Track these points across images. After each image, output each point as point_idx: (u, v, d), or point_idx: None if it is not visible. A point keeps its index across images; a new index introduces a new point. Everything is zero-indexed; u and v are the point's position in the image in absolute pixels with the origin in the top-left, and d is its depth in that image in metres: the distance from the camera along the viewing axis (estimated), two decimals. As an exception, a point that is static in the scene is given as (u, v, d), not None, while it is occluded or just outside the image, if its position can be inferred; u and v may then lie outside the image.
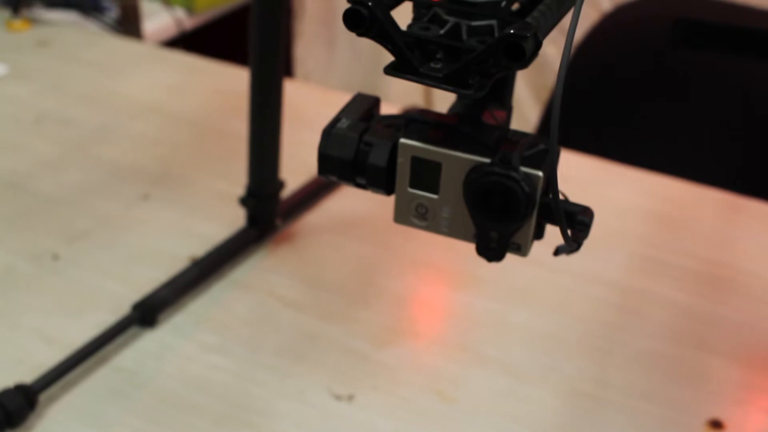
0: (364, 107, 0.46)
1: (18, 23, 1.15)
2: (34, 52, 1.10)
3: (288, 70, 1.68)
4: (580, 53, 1.09)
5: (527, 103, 1.52)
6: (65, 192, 0.82)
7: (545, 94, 1.43)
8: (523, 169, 0.41)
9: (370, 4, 0.38)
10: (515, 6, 0.44)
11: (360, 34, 0.39)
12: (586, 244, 0.43)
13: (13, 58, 1.08)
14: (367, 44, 0.41)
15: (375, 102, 0.47)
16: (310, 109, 0.94)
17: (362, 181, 0.45)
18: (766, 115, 1.01)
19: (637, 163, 0.91)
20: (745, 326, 0.71)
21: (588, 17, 1.16)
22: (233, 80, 1.03)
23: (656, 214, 0.84)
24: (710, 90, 1.04)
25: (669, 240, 0.81)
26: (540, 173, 0.41)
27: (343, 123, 0.45)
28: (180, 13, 1.54)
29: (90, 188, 0.83)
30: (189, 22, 1.56)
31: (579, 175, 0.89)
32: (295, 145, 0.79)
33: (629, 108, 1.09)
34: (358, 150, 0.44)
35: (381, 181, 0.44)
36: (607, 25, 1.09)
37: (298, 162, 0.79)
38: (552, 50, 1.41)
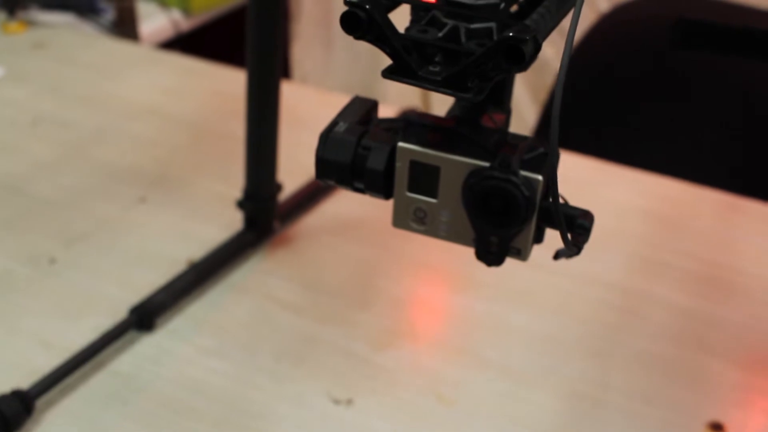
0: (361, 111, 0.46)
1: (14, 25, 1.15)
2: (30, 55, 1.10)
3: (285, 72, 1.68)
4: (579, 53, 1.09)
5: (525, 104, 1.52)
6: (63, 194, 0.82)
7: (543, 95, 1.43)
8: (523, 172, 0.40)
9: (367, 6, 0.38)
10: (514, 8, 0.43)
11: (357, 38, 0.39)
12: (586, 245, 0.43)
13: (10, 60, 1.07)
14: (364, 45, 0.41)
15: (373, 105, 0.46)
16: (307, 110, 0.94)
17: (360, 186, 0.45)
18: (766, 115, 1.00)
19: (637, 163, 0.91)
20: (744, 327, 0.71)
21: (586, 17, 1.16)
22: (231, 82, 1.03)
23: (655, 214, 0.84)
24: (710, 90, 1.04)
25: (668, 241, 0.80)
26: (540, 177, 0.40)
27: (341, 127, 0.45)
28: (176, 14, 1.54)
29: (87, 191, 0.83)
30: (185, 24, 1.55)
31: (578, 175, 0.89)
32: (292, 147, 0.79)
33: (628, 108, 1.08)
34: (356, 154, 0.44)
35: (379, 185, 0.44)
36: (606, 25, 1.09)
37: (295, 164, 0.79)
38: (550, 51, 1.41)
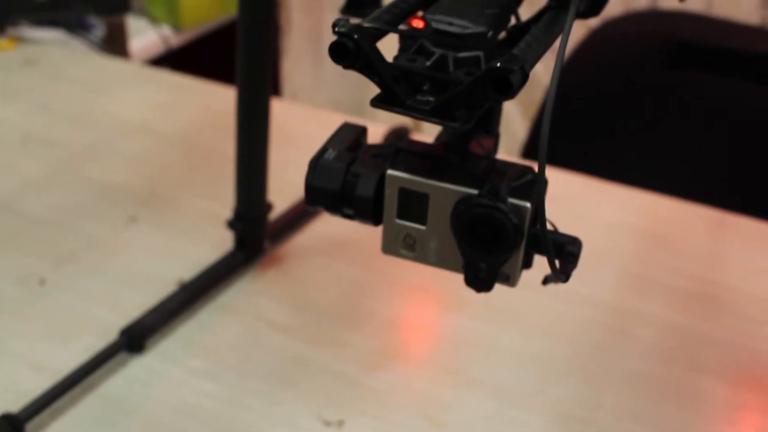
0: (351, 137, 0.46)
1: (4, 42, 1.15)
2: (20, 71, 1.09)
3: (275, 87, 1.68)
4: (568, 69, 1.09)
5: (515, 118, 1.53)
6: (52, 214, 0.82)
7: (533, 110, 1.43)
8: (511, 200, 0.41)
9: (355, 36, 0.38)
10: (502, 35, 0.44)
11: (346, 67, 0.39)
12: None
13: (0, 77, 1.07)
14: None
15: (362, 131, 0.47)
16: (297, 128, 0.94)
17: (350, 212, 0.45)
18: (753, 131, 1.01)
19: (625, 179, 0.91)
20: (734, 345, 0.71)
21: (575, 33, 1.16)
22: (221, 99, 1.03)
23: (644, 231, 0.85)
24: (698, 105, 1.04)
25: (657, 258, 0.81)
26: (528, 205, 0.41)
27: (330, 154, 0.45)
28: (166, 30, 1.54)
29: (77, 210, 0.83)
30: (175, 40, 1.55)
31: (566, 192, 0.89)
32: (282, 165, 0.79)
33: (618, 123, 1.09)
34: (345, 181, 0.44)
35: (368, 212, 0.44)
36: (595, 41, 1.10)
37: (285, 182, 0.79)
38: (540, 66, 1.41)
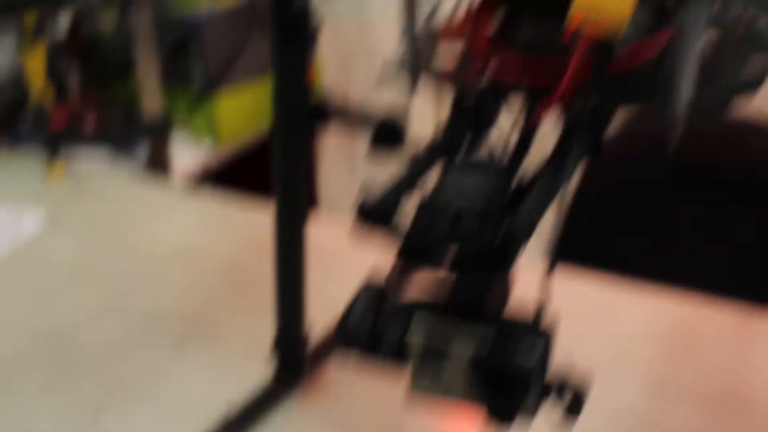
0: (378, 285, 0.51)
1: (55, 172, 1.20)
2: (70, 201, 1.15)
3: (311, 195, 1.72)
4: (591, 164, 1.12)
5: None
6: (104, 344, 0.86)
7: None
8: (522, 349, 0.45)
9: (380, 212, 0.44)
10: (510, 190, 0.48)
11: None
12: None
13: (50, 206, 1.13)
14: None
15: (384, 287, 0.51)
16: (334, 245, 0.98)
17: (380, 357, 0.50)
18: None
19: (646, 276, 0.92)
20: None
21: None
22: (263, 221, 1.06)
23: (667, 335, 0.85)
24: (718, 200, 1.07)
25: (682, 363, 0.82)
26: (538, 355, 0.45)
27: (359, 302, 0.50)
28: (207, 146, 1.59)
29: (128, 339, 0.87)
30: (216, 155, 1.61)
31: (585, 297, 0.89)
32: (321, 282, 0.82)
33: (641, 220, 1.11)
34: (374, 330, 0.49)
35: (395, 359, 0.49)
36: (614, 141, 1.13)
37: (324, 299, 0.80)
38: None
